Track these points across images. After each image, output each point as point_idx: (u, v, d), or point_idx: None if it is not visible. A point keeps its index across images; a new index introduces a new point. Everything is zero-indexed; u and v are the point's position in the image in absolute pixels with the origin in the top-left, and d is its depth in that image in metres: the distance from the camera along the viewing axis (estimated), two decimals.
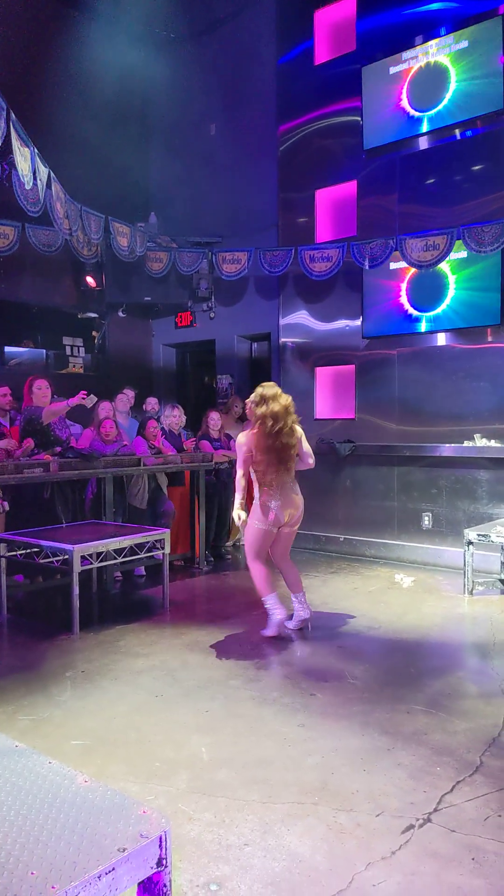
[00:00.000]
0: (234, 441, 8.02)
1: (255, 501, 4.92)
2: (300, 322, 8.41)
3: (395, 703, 3.78)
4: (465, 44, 6.88)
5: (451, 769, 3.07)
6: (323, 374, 8.31)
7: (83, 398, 6.33)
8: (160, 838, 1.42)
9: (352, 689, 3.99)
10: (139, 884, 1.42)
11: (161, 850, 1.42)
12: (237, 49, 9.12)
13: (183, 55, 9.64)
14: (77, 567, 4.93)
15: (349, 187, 7.94)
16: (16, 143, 4.39)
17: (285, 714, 3.65)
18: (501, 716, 3.61)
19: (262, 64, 8.76)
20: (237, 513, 4.87)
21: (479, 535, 5.97)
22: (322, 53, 8.19)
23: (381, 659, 4.55)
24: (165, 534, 5.68)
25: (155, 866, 1.41)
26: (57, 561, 5.21)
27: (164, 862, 1.42)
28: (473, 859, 2.44)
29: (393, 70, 7.41)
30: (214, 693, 3.94)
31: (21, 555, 5.38)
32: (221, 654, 4.60)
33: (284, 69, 8.47)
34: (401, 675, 4.21)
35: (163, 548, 5.67)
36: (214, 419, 7.80)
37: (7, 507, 5.84)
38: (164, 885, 1.43)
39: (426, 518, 7.28)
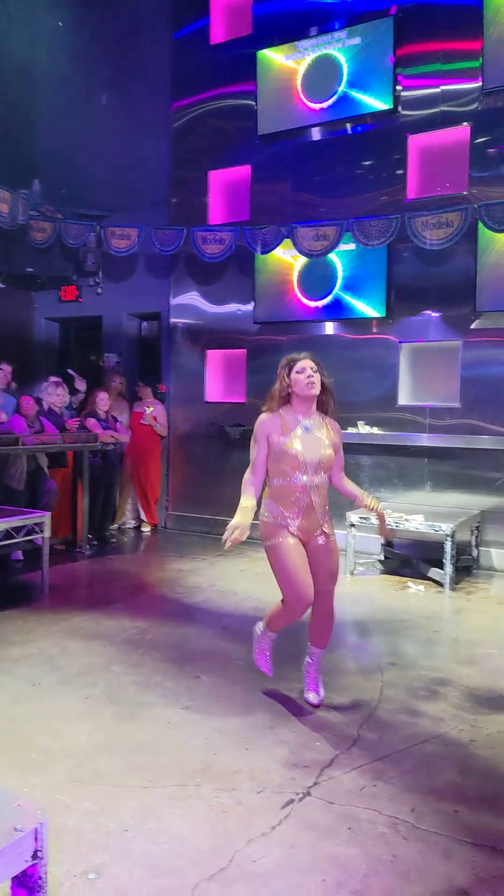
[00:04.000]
0: (121, 423, 7.90)
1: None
2: (192, 303, 8.34)
3: (277, 681, 3.85)
4: (357, 40, 7.00)
5: (331, 744, 3.16)
6: (214, 356, 8.29)
7: None
8: (35, 831, 1.37)
9: (236, 670, 4.02)
10: (13, 878, 1.36)
11: (36, 842, 1.37)
12: (131, 17, 8.83)
13: (73, 16, 9.25)
14: None
15: (243, 171, 7.92)
16: None
17: (169, 698, 3.64)
18: (378, 690, 3.75)
19: (156, 36, 8.53)
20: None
21: (360, 517, 6.18)
22: (218, 33, 8.09)
23: None
24: (45, 517, 5.50)
25: (30, 859, 1.36)
26: None
27: (39, 854, 1.37)
28: (349, 829, 2.53)
29: (288, 58, 7.44)
30: (96, 679, 3.86)
31: None
32: (103, 639, 4.51)
33: (180, 45, 8.31)
34: (284, 654, 4.28)
35: (42, 531, 5.48)
36: (103, 399, 7.61)
37: None
38: (40, 878, 1.38)
39: None
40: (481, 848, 2.43)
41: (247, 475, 3.54)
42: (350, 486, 3.63)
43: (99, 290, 9.18)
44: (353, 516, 6.23)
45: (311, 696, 3.60)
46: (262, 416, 3.52)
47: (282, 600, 3.44)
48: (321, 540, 3.46)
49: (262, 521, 3.53)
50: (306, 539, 3.45)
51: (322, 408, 3.54)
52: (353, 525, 6.23)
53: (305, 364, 3.44)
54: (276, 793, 2.76)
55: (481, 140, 6.48)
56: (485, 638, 4.60)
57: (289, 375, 3.47)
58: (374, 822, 2.57)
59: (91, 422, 7.40)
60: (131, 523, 8.39)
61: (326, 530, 3.47)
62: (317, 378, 3.43)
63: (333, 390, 3.58)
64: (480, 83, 6.41)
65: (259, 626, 3.72)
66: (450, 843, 2.45)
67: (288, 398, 3.51)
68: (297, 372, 3.44)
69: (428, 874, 2.29)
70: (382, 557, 6.66)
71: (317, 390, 3.44)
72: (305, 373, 3.42)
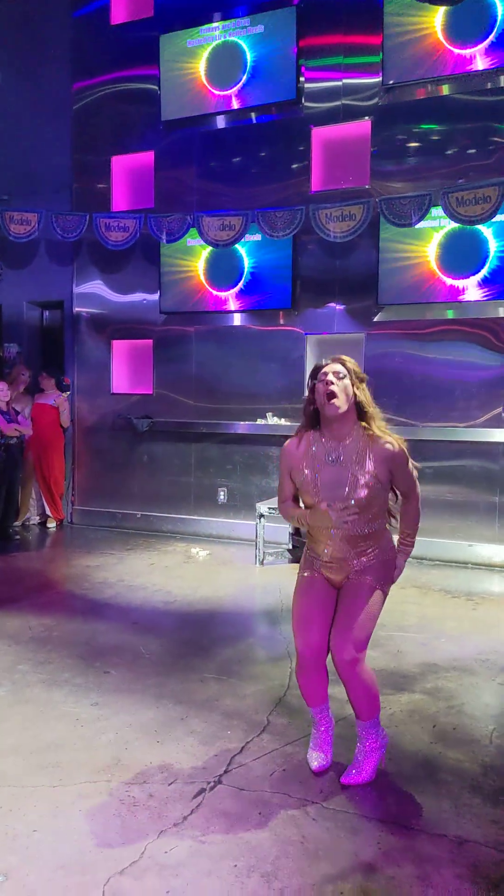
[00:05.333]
0: (22, 416, 7.66)
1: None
2: (96, 292, 8.16)
3: (188, 673, 3.86)
4: (261, 28, 7.02)
5: (241, 731, 3.20)
6: (120, 347, 8.16)
7: None
8: None
9: (146, 664, 4.00)
10: None
11: None
12: None
13: None
14: None
15: (147, 157, 7.80)
16: None
17: (77, 694, 3.58)
18: (287, 677, 3.82)
19: (55, 12, 8.25)
20: None
21: (269, 508, 6.25)
22: (119, 14, 7.91)
23: (175, 632, 4.61)
24: None
25: None
26: None
27: None
28: (260, 814, 2.57)
29: (191, 43, 7.36)
30: (1, 680, 3.75)
31: None
32: (8, 639, 4.38)
33: (80, 23, 8.07)
34: (194, 646, 4.30)
35: None
36: (3, 390, 7.34)
37: None
38: None
39: (221, 493, 7.47)
40: (386, 823, 2.53)
41: (279, 504, 2.94)
42: (403, 525, 2.89)
43: None
44: (261, 507, 6.30)
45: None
46: (287, 443, 2.84)
47: None
48: (352, 577, 2.79)
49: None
50: (339, 578, 2.81)
51: (365, 419, 2.73)
52: (262, 516, 6.30)
53: (328, 369, 2.69)
54: (188, 783, 2.77)
55: (382, 135, 6.65)
56: (387, 621, 4.75)
57: (313, 389, 2.72)
58: (284, 806, 2.62)
59: None
60: (36, 519, 8.16)
61: (357, 567, 2.77)
62: (340, 386, 2.64)
63: (368, 398, 2.75)
64: (381, 78, 6.56)
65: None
66: (356, 821, 2.54)
67: (317, 417, 2.76)
68: (319, 381, 2.69)
69: (336, 852, 2.36)
70: (291, 546, 6.77)
71: (341, 405, 2.63)
72: (326, 378, 2.66)
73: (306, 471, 2.73)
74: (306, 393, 2.79)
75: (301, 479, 2.75)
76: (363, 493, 2.65)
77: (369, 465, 2.67)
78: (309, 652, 2.78)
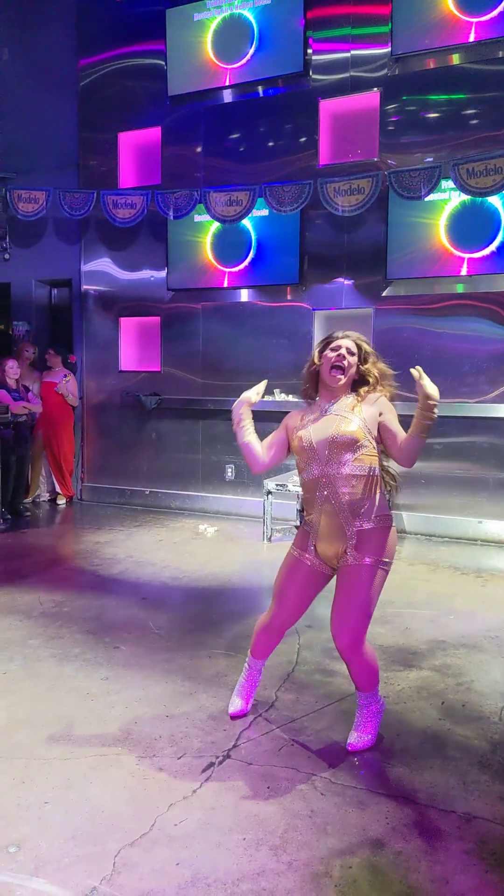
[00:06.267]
0: (32, 393, 7.67)
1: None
2: (104, 269, 8.12)
3: (196, 648, 3.89)
4: (267, 0, 6.89)
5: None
6: (128, 324, 8.13)
7: None
8: None
9: (155, 639, 4.03)
10: None
11: None
12: None
13: None
14: None
15: (153, 133, 7.71)
16: None
17: (88, 669, 3.62)
18: (295, 653, 3.85)
19: None
20: None
21: (277, 484, 6.26)
22: None
23: (184, 607, 4.64)
24: None
25: None
26: None
27: None
28: (268, 787, 2.60)
29: (197, 17, 7.24)
30: (12, 654, 3.79)
31: None
32: (19, 614, 4.43)
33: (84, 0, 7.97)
34: (203, 621, 4.33)
35: None
36: (13, 367, 7.35)
37: None
38: None
39: (229, 470, 7.48)
40: (394, 798, 2.55)
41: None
42: (410, 436, 2.70)
43: (6, 256, 8.80)
44: (269, 483, 6.30)
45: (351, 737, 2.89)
46: (293, 412, 2.96)
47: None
48: (349, 559, 2.72)
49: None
50: (333, 560, 2.78)
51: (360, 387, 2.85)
52: (269, 492, 6.30)
53: (343, 343, 2.79)
54: (197, 757, 2.80)
55: (391, 106, 6.54)
56: (396, 598, 4.77)
57: (322, 352, 2.82)
58: (293, 780, 2.65)
59: (2, 393, 7.14)
60: (46, 496, 8.21)
61: (355, 545, 2.71)
62: (350, 362, 2.77)
63: (377, 372, 2.84)
64: (389, 49, 6.44)
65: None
66: (364, 796, 2.56)
67: (317, 381, 2.87)
68: (332, 349, 2.80)
69: (343, 826, 2.39)
70: (298, 523, 6.78)
71: (342, 378, 2.77)
72: (339, 352, 2.78)
73: (300, 425, 2.83)
74: (315, 356, 2.85)
75: (294, 430, 2.85)
76: (348, 427, 2.71)
77: (358, 412, 2.76)
78: (277, 622, 2.91)
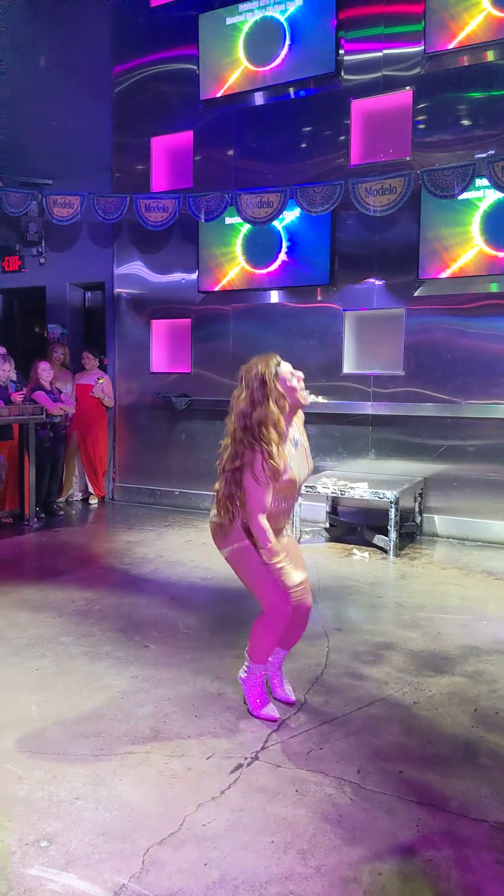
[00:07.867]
0: (66, 394, 7.77)
1: None
2: (135, 273, 8.19)
3: (225, 649, 3.89)
4: (299, 2, 6.88)
5: (278, 709, 3.21)
6: (159, 326, 8.19)
7: None
8: None
9: (184, 639, 4.05)
10: None
11: None
12: None
13: None
14: None
15: (185, 137, 7.76)
16: None
17: (118, 667, 3.64)
18: (324, 655, 3.83)
19: None
20: None
21: (306, 486, 6.24)
22: None
23: (212, 608, 4.65)
24: None
25: None
26: None
27: None
28: (297, 791, 2.59)
29: (230, 21, 7.27)
30: (45, 651, 3.84)
31: None
32: (52, 611, 4.48)
33: (119, 7, 8.05)
34: (231, 622, 4.33)
35: None
36: (45, 369, 7.45)
37: None
38: None
39: None
40: (424, 806, 2.52)
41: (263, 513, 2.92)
42: None
43: (42, 260, 8.94)
44: None
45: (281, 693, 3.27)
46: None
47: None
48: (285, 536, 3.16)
49: (219, 524, 3.03)
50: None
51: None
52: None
53: (285, 368, 2.97)
54: (225, 758, 2.80)
55: (424, 105, 6.48)
56: (427, 602, 4.73)
57: (276, 389, 2.92)
58: (321, 784, 2.64)
59: (39, 394, 7.24)
60: (79, 495, 8.31)
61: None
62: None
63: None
64: (423, 47, 6.38)
65: (243, 669, 3.18)
66: (394, 802, 2.54)
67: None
68: (291, 375, 2.98)
69: (373, 832, 2.37)
70: (328, 525, 6.76)
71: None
72: (295, 374, 3.00)
73: (289, 474, 2.94)
74: (274, 382, 2.91)
75: (285, 481, 2.94)
76: (311, 464, 3.11)
77: (300, 426, 3.15)
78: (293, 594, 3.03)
